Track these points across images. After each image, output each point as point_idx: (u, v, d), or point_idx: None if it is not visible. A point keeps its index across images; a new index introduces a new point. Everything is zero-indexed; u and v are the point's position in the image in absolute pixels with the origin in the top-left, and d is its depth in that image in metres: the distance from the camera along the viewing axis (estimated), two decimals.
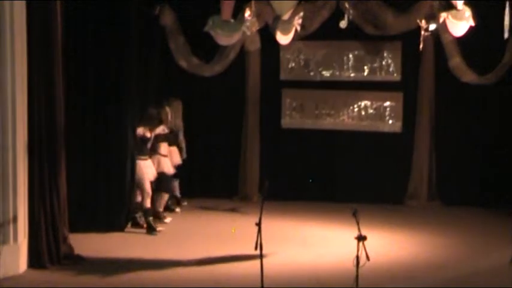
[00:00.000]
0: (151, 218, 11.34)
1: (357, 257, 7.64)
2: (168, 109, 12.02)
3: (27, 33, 9.78)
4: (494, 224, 11.37)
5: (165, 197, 12.02)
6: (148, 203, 11.43)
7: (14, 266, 9.44)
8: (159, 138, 11.79)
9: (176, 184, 12.65)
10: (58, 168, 10.12)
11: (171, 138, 12.24)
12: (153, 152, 11.71)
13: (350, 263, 7.66)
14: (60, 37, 10.18)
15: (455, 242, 10.95)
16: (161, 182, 11.86)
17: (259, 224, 8.06)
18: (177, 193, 12.82)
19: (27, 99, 9.80)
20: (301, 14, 11.84)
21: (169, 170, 12.01)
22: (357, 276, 7.59)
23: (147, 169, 11.43)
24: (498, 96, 12.64)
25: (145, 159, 11.48)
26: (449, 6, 11.58)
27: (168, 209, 12.41)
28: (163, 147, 11.92)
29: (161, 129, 11.82)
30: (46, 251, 9.83)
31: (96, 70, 11.67)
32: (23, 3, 9.69)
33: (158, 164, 11.76)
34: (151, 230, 11.22)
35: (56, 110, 10.08)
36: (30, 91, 9.84)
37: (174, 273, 9.69)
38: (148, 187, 11.41)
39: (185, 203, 13.00)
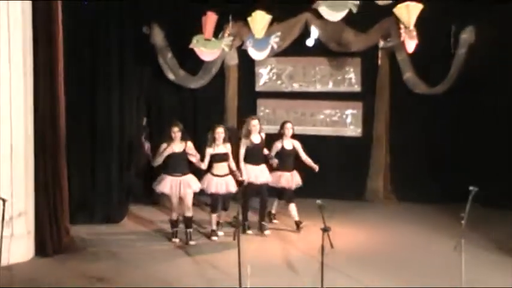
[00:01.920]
0: (176, 230, 10.57)
1: (322, 246, 7.79)
2: (221, 129, 10.63)
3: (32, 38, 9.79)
4: (443, 218, 11.40)
5: (213, 216, 10.71)
6: (172, 215, 10.61)
7: (22, 254, 9.58)
8: (213, 158, 10.55)
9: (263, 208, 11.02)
10: (60, 169, 10.21)
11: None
12: (207, 171, 10.56)
13: (316, 251, 7.81)
14: (61, 42, 10.09)
15: (408, 233, 11.07)
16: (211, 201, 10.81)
17: (237, 218, 8.18)
18: (266, 214, 11.14)
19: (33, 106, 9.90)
20: (279, 33, 11.89)
21: (219, 190, 10.55)
22: (322, 262, 7.73)
23: (172, 185, 10.37)
24: (446, 104, 12.66)
25: (177, 176, 10.40)
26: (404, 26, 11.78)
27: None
28: (216, 167, 10.54)
29: (214, 149, 10.57)
30: (50, 241, 9.96)
31: (93, 77, 11.74)
32: (30, 3, 9.66)
33: (208, 184, 10.54)
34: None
35: (58, 116, 10.14)
36: (36, 100, 9.92)
37: (159, 256, 9.91)
38: (173, 201, 10.48)
39: (267, 232, 10.90)
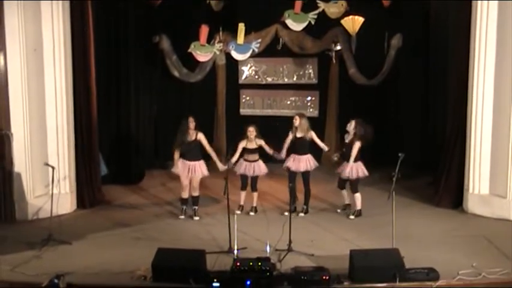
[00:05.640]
0: (184, 207, 9.61)
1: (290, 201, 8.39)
2: (252, 128, 9.79)
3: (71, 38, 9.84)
4: (379, 176, 11.16)
5: (254, 195, 9.83)
6: (182, 194, 9.61)
7: (67, 207, 9.83)
8: (245, 150, 9.75)
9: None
10: (93, 145, 10.35)
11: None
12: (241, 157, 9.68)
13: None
14: (92, 49, 10.16)
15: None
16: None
17: (226, 178, 8.25)
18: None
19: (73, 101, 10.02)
20: (259, 40, 11.92)
21: (247, 172, 9.73)
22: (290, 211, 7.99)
23: (183, 169, 9.44)
24: (380, 92, 12.76)
25: (188, 161, 9.41)
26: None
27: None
28: (247, 156, 9.75)
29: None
30: (87, 197, 10.19)
31: (117, 74, 11.82)
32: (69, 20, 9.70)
33: (238, 166, 9.69)
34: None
35: (91, 103, 10.24)
36: (75, 91, 10.01)
37: (169, 209, 10.03)
38: (183, 182, 9.51)
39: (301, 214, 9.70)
